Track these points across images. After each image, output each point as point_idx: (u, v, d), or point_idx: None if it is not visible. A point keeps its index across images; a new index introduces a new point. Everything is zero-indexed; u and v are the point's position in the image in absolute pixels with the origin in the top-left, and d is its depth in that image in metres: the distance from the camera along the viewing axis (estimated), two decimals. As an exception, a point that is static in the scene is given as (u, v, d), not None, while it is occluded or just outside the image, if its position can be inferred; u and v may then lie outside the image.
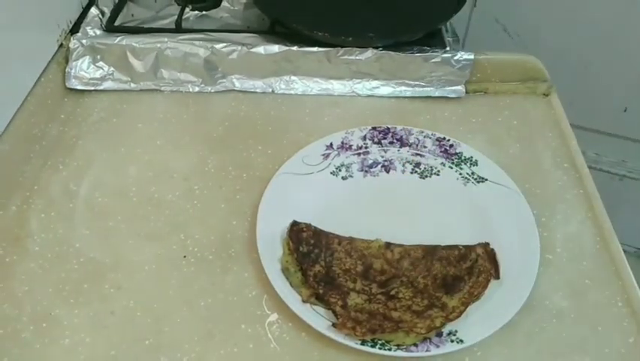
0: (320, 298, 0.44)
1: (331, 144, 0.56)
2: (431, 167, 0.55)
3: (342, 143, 0.56)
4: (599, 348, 0.43)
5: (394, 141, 0.57)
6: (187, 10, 0.69)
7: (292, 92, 0.64)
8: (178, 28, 0.65)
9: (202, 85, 0.63)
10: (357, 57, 0.62)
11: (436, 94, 0.63)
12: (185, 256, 0.48)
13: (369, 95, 0.64)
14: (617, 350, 0.43)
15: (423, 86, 0.63)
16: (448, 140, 0.56)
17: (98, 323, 0.43)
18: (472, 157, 0.55)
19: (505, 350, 0.42)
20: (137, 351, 0.42)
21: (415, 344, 0.41)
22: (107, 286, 0.46)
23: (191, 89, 0.63)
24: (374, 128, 0.57)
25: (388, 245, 0.48)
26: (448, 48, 0.64)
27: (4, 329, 0.43)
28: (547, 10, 0.86)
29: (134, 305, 0.45)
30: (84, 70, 0.62)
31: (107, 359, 0.42)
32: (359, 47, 0.62)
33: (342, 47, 0.62)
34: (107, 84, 0.63)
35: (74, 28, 0.64)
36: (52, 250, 0.48)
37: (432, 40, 0.64)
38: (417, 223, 0.51)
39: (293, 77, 0.64)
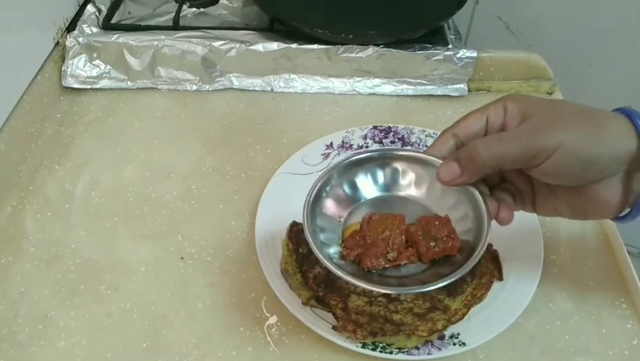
0: (320, 301, 0.43)
1: (331, 143, 0.55)
2: (432, 166, 0.55)
3: (343, 142, 0.56)
4: (602, 350, 0.42)
5: (396, 140, 0.56)
6: (184, 7, 0.68)
7: (291, 90, 0.63)
8: (175, 26, 0.65)
9: (200, 83, 0.63)
10: (358, 55, 0.61)
11: (438, 92, 0.62)
12: (182, 258, 0.47)
13: (370, 94, 0.63)
14: (620, 351, 0.42)
15: (425, 85, 0.63)
16: (450, 139, 0.56)
17: (94, 325, 0.43)
18: (474, 156, 0.54)
19: (508, 352, 0.42)
20: (133, 354, 0.41)
21: (417, 347, 0.40)
22: (103, 287, 0.45)
23: (188, 88, 0.63)
24: (375, 128, 0.57)
25: (389, 246, 0.47)
26: (450, 46, 0.63)
27: (0, 330, 0.42)
28: (550, 7, 0.85)
29: (131, 307, 0.44)
30: (80, 68, 0.62)
31: (104, 363, 0.41)
32: (360, 45, 0.61)
33: (342, 44, 0.61)
34: (104, 83, 0.62)
35: (71, 26, 0.63)
36: (48, 251, 0.48)
37: (434, 37, 0.64)
38: (418, 224, 0.50)
39: (292, 75, 0.63)
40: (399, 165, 0.38)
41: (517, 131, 0.33)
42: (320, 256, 0.34)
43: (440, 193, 0.37)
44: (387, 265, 0.35)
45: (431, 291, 0.35)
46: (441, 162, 0.35)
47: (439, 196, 0.37)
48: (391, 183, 0.38)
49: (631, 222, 0.34)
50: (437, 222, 0.36)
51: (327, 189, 0.37)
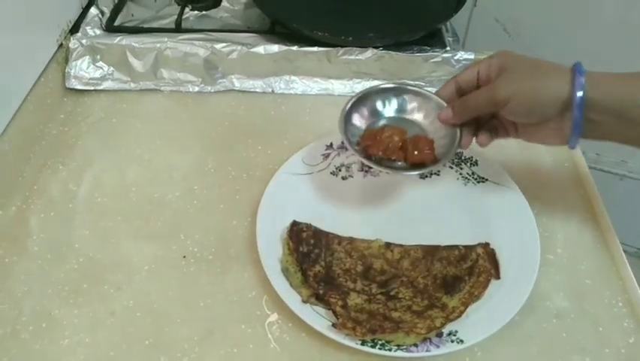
0: (320, 299, 0.44)
1: (331, 143, 0.56)
2: (431, 167, 0.56)
3: (343, 143, 0.56)
4: (599, 348, 0.43)
5: (394, 140, 0.57)
6: (187, 10, 0.69)
7: (292, 91, 0.64)
8: (178, 28, 0.65)
9: (202, 85, 0.63)
10: (357, 57, 0.62)
11: (436, 94, 0.63)
12: (184, 256, 0.48)
13: (369, 95, 0.63)
14: (617, 350, 0.43)
15: (423, 86, 0.63)
16: (448, 140, 0.57)
17: (97, 324, 0.43)
18: (472, 157, 0.55)
19: (505, 350, 0.42)
20: (136, 351, 0.42)
21: (415, 345, 0.41)
22: (106, 286, 0.46)
23: (190, 89, 0.63)
24: (374, 128, 0.58)
25: (388, 245, 0.48)
26: (448, 48, 0.64)
27: (4, 329, 0.43)
28: (547, 10, 0.86)
29: (134, 305, 0.45)
30: (84, 70, 0.62)
31: (107, 360, 0.42)
32: (359, 47, 0.62)
33: (342, 46, 0.62)
34: (107, 84, 0.63)
35: (74, 28, 0.64)
36: (52, 251, 0.48)
37: (432, 40, 0.65)
38: (417, 223, 0.51)
39: (293, 77, 0.64)
40: (416, 101, 0.51)
41: (489, 86, 0.45)
42: (347, 143, 0.48)
43: (438, 126, 0.49)
44: (384, 157, 0.48)
45: (404, 173, 0.50)
46: (444, 103, 0.48)
47: (437, 128, 0.49)
48: (407, 109, 0.51)
49: (576, 143, 0.44)
50: (424, 140, 0.48)
51: (357, 105, 0.50)
